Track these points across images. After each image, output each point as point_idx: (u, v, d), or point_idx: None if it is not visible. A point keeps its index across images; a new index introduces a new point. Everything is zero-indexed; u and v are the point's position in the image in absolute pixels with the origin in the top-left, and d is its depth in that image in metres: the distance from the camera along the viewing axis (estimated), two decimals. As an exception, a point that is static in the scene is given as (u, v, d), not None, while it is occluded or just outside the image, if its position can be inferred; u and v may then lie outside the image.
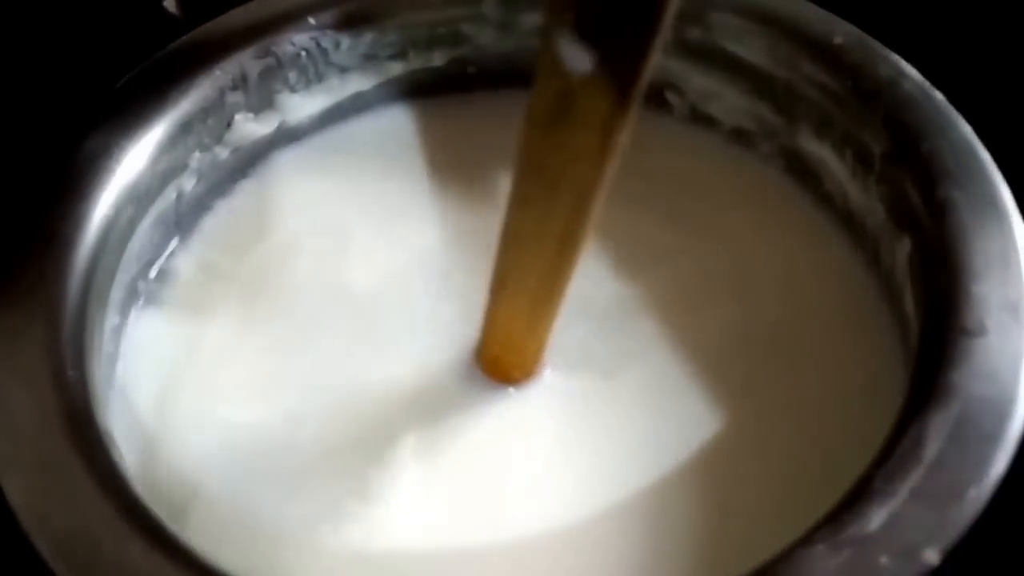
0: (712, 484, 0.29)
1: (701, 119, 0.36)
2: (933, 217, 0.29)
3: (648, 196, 0.35)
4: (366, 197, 0.36)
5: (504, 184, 0.35)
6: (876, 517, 0.24)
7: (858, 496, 0.24)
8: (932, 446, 0.25)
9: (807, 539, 0.24)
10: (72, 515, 0.25)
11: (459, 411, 0.31)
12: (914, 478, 0.24)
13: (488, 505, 0.29)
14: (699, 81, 0.36)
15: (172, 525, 0.26)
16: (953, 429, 0.25)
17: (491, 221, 0.34)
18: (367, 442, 0.30)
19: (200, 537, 0.27)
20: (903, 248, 0.30)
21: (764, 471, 0.29)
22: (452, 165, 0.36)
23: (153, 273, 0.34)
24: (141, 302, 0.33)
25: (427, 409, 0.31)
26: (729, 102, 0.36)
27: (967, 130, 0.31)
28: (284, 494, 0.29)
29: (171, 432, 0.31)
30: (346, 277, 0.34)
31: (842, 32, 0.33)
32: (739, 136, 0.36)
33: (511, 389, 0.31)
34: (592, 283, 0.33)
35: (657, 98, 0.36)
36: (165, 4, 0.41)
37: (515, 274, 0.28)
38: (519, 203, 0.26)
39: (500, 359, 0.31)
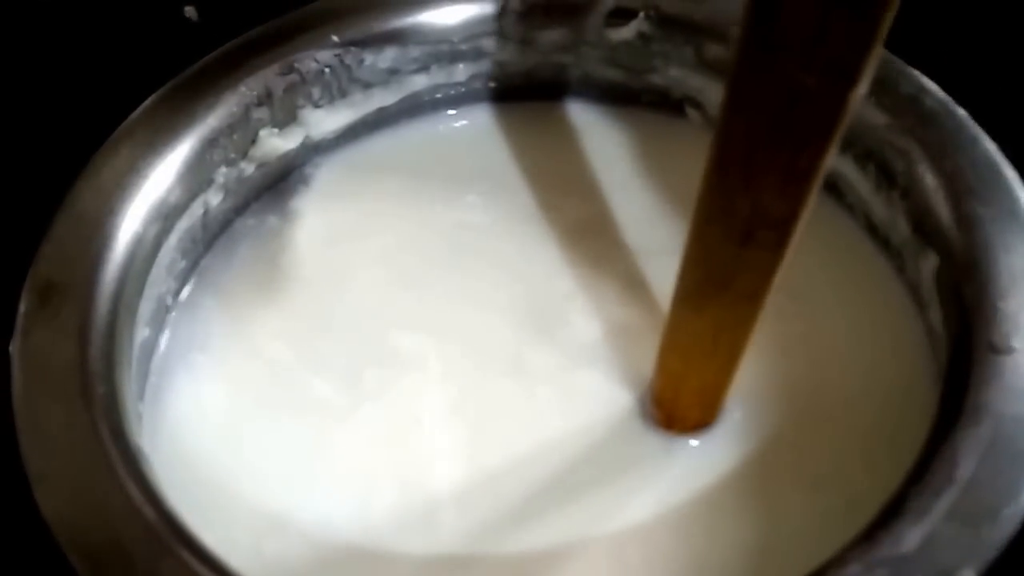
0: (755, 497, 0.29)
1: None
2: (958, 233, 0.29)
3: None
4: (390, 209, 0.36)
5: (528, 196, 0.36)
6: (911, 537, 0.24)
7: (892, 516, 0.24)
8: (965, 466, 0.25)
9: (841, 559, 0.24)
10: (105, 529, 0.25)
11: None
12: (948, 498, 0.24)
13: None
14: (719, 96, 0.36)
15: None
16: (986, 449, 0.25)
17: (522, 236, 0.35)
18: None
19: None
20: (929, 263, 0.30)
21: (796, 481, 0.29)
22: (477, 177, 0.36)
23: (183, 287, 0.34)
24: (173, 316, 0.33)
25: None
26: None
27: (990, 146, 0.31)
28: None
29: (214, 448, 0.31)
30: (396, 305, 0.34)
31: (864, 48, 0.33)
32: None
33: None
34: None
35: (677, 111, 0.37)
36: (185, 11, 0.41)
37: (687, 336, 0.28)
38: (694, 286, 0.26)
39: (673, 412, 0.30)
